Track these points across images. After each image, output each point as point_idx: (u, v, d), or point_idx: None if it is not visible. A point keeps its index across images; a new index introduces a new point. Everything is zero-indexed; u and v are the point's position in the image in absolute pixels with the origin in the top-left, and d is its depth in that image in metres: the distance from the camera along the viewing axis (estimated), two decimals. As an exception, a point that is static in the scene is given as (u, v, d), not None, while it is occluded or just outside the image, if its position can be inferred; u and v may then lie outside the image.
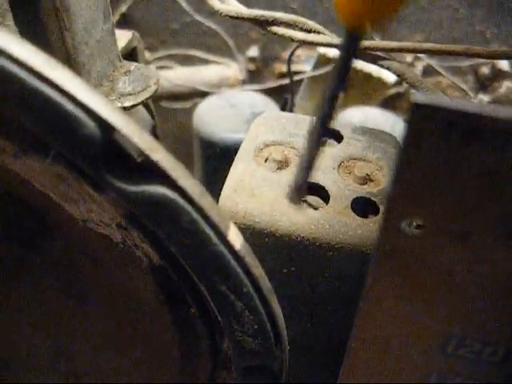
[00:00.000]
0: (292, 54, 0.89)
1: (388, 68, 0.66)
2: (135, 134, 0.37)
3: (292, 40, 0.68)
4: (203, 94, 1.59)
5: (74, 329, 0.63)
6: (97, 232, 0.48)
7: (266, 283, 0.46)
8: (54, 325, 0.63)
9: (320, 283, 0.61)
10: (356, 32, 0.44)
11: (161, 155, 0.38)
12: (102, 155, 0.37)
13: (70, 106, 0.36)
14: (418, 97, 0.30)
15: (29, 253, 0.55)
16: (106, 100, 0.37)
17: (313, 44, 0.67)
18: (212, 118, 1.26)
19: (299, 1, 1.55)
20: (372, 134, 0.68)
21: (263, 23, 0.68)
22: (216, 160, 1.23)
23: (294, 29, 0.68)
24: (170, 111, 1.69)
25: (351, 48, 0.45)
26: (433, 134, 0.31)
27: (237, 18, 0.69)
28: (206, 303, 0.50)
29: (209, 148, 1.22)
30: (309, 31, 0.67)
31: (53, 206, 0.46)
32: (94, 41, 0.64)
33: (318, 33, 0.67)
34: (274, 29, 0.68)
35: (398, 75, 0.67)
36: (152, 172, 0.38)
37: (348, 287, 0.60)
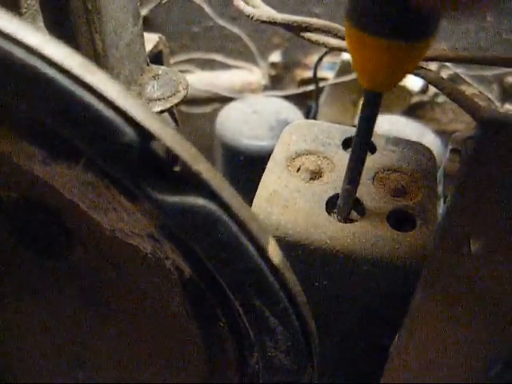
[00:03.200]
0: (320, 60, 0.88)
1: (423, 77, 0.64)
2: (176, 142, 0.35)
3: (325, 46, 0.66)
4: (223, 99, 1.58)
5: (94, 338, 0.62)
6: (124, 242, 0.46)
7: (302, 299, 0.44)
8: (73, 333, 0.62)
9: (353, 298, 0.59)
10: (376, 91, 0.48)
11: (202, 166, 0.36)
12: (139, 164, 0.36)
13: (109, 113, 0.34)
14: (485, 113, 0.28)
15: (49, 260, 0.53)
16: (146, 106, 0.35)
17: (346, 51, 0.65)
18: (235, 125, 1.25)
19: (322, 6, 1.54)
20: (406, 144, 0.66)
21: (296, 29, 0.66)
22: (239, 167, 1.22)
23: (327, 35, 0.66)
24: (188, 116, 1.68)
25: (374, 105, 0.49)
26: (499, 151, 0.30)
27: (269, 22, 0.67)
28: (236, 317, 0.49)
29: (232, 155, 1.21)
30: (343, 38, 0.65)
31: (79, 215, 0.45)
32: (124, 44, 0.62)
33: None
34: (308, 35, 0.66)
35: (434, 85, 0.65)
36: (192, 183, 0.37)
37: (382, 303, 0.58)
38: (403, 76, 0.45)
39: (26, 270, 0.55)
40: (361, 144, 0.51)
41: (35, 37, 0.33)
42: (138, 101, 0.35)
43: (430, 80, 0.64)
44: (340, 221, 0.57)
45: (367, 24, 0.41)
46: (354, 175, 0.54)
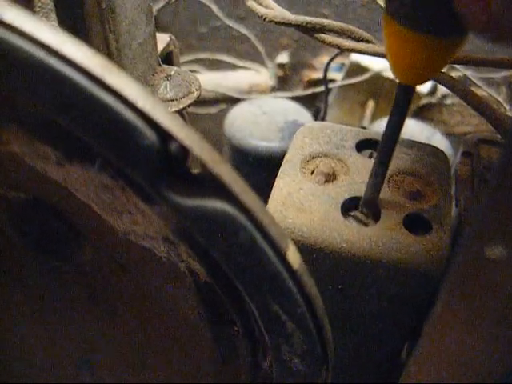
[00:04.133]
0: (330, 61, 0.87)
1: (437, 80, 0.64)
2: (197, 145, 0.35)
3: (339, 48, 0.66)
4: (230, 100, 1.58)
5: (101, 341, 0.62)
6: (137, 244, 0.46)
7: (320, 304, 0.44)
8: (80, 334, 0.62)
9: (368, 302, 0.58)
10: (410, 85, 0.48)
11: (223, 168, 0.36)
12: (158, 166, 0.35)
13: (129, 115, 0.33)
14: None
15: (57, 261, 0.53)
16: (165, 108, 0.35)
17: (361, 53, 0.65)
18: (244, 125, 1.24)
19: (331, 7, 1.53)
20: (420, 147, 0.66)
21: (309, 30, 0.66)
22: (248, 168, 1.21)
23: (341, 37, 0.65)
24: (195, 116, 1.68)
25: (407, 98, 0.50)
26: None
27: (282, 24, 0.66)
28: (251, 321, 0.48)
29: (241, 156, 1.21)
30: (357, 40, 0.65)
31: (91, 217, 0.44)
32: (137, 44, 0.62)
33: (368, 41, 0.64)
34: (322, 36, 0.65)
35: (448, 87, 0.64)
36: (212, 185, 0.36)
37: (397, 307, 0.58)
38: (438, 70, 0.46)
39: (34, 271, 0.55)
40: (391, 137, 0.52)
41: (54, 36, 0.32)
42: (158, 102, 0.35)
43: (445, 83, 0.64)
44: (360, 225, 0.57)
45: (407, 18, 0.41)
46: (380, 173, 0.54)
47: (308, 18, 0.65)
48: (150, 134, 0.34)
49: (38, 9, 0.51)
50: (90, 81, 0.33)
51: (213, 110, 1.68)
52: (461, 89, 0.59)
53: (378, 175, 0.54)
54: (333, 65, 1.53)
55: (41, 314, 0.61)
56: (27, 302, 0.60)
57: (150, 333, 0.58)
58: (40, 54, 0.32)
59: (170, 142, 0.34)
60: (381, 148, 0.53)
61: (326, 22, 0.65)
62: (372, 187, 0.55)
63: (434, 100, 1.60)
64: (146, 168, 0.35)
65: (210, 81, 1.64)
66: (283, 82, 1.71)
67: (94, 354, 0.64)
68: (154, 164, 0.35)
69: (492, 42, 0.36)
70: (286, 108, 1.31)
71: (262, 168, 1.18)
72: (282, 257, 0.39)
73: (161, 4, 1.45)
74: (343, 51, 0.67)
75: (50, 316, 0.61)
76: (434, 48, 0.41)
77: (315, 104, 1.59)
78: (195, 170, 0.36)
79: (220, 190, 0.36)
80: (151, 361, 0.62)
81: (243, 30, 1.60)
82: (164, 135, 0.34)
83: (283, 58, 1.67)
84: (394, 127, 0.51)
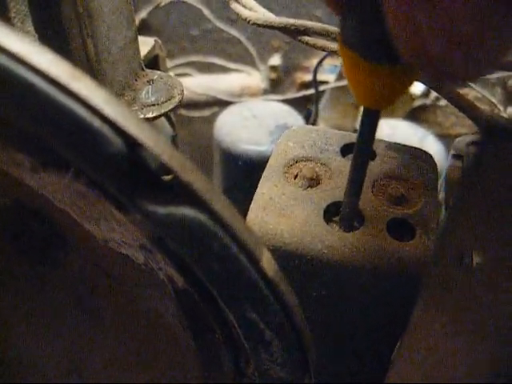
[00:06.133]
0: (319, 64, 0.87)
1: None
2: (166, 152, 0.34)
3: (323, 50, 0.65)
4: (222, 103, 1.57)
5: (88, 345, 0.61)
6: (117, 251, 0.45)
7: (298, 311, 0.43)
8: (67, 339, 0.62)
9: (351, 308, 0.58)
10: (374, 109, 0.46)
11: (193, 176, 0.35)
12: (128, 174, 0.35)
13: (96, 122, 0.33)
14: (488, 118, 0.27)
15: (42, 266, 0.53)
16: (133, 115, 0.34)
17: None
18: (234, 129, 1.24)
19: (323, 9, 1.53)
20: (406, 151, 0.65)
21: (293, 32, 0.65)
22: (237, 172, 1.21)
23: (325, 38, 0.65)
24: (187, 119, 1.68)
25: (373, 121, 0.47)
26: (503, 160, 0.28)
27: (266, 26, 0.66)
28: (231, 329, 0.48)
29: (230, 159, 1.20)
30: (341, 41, 0.64)
31: (71, 223, 0.44)
32: (117, 48, 0.61)
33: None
34: (305, 38, 0.65)
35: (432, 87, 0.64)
36: (182, 193, 0.36)
37: (381, 313, 0.57)
38: (397, 96, 0.44)
39: (21, 276, 0.55)
40: (362, 155, 0.50)
41: (19, 43, 0.32)
42: (125, 108, 0.34)
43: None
44: (342, 231, 0.56)
45: (357, 46, 0.39)
46: (355, 187, 0.53)
47: (291, 20, 0.65)
48: (117, 142, 0.33)
49: (13, 14, 0.51)
50: (55, 88, 0.32)
51: (206, 112, 1.67)
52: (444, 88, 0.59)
53: (354, 187, 0.53)
54: (326, 66, 1.52)
55: (28, 320, 0.61)
56: (15, 308, 0.59)
57: (135, 340, 0.58)
58: (6, 61, 0.31)
59: (138, 149, 0.34)
60: (352, 166, 0.52)
61: (310, 24, 0.64)
62: (349, 198, 0.55)
63: (428, 101, 1.60)
64: (115, 176, 0.35)
65: (202, 84, 1.64)
66: (275, 85, 1.70)
67: (81, 360, 0.64)
68: (122, 172, 0.35)
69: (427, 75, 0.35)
70: (276, 111, 1.31)
71: (251, 171, 1.17)
72: (256, 265, 0.39)
73: (151, 7, 1.45)
74: (328, 53, 0.67)
75: (37, 322, 0.61)
76: (385, 75, 0.40)
77: (308, 106, 1.59)
78: (167, 178, 0.35)
79: (191, 197, 0.36)
80: (137, 367, 0.61)
81: (234, 33, 1.60)
82: (132, 143, 0.34)
83: (275, 60, 1.67)
84: (365, 147, 0.50)
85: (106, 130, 0.33)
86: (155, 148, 0.34)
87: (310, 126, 0.70)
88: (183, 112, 1.64)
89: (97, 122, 0.33)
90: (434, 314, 0.38)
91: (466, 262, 0.35)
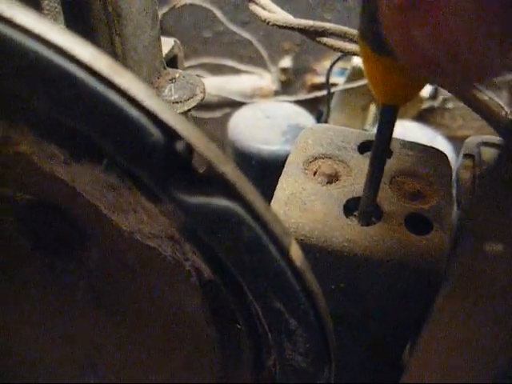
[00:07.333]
0: (332, 65, 0.88)
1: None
2: (202, 143, 0.36)
3: (341, 51, 0.66)
4: (234, 104, 1.58)
5: (106, 341, 0.62)
6: (143, 243, 0.46)
7: (322, 301, 0.44)
8: (84, 336, 0.62)
9: (370, 301, 0.59)
10: (392, 105, 0.47)
11: (228, 167, 0.36)
12: (164, 164, 0.36)
13: (135, 113, 0.34)
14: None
15: (63, 263, 0.53)
16: (171, 107, 0.35)
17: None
18: (247, 129, 1.25)
19: (334, 12, 1.54)
20: (422, 149, 0.67)
21: (312, 33, 0.67)
22: (251, 171, 1.21)
23: (342, 40, 0.66)
24: (198, 120, 1.68)
25: (391, 118, 0.49)
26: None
27: (285, 27, 0.67)
28: (254, 319, 0.48)
29: (244, 159, 1.21)
30: (359, 42, 0.65)
31: (96, 216, 0.45)
32: (142, 46, 0.63)
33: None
34: (324, 39, 0.66)
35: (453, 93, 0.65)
36: (217, 184, 0.37)
37: (399, 306, 0.58)
38: (415, 90, 0.45)
39: (39, 273, 0.55)
40: (380, 151, 0.52)
41: (64, 37, 0.33)
42: (163, 102, 0.35)
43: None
44: (361, 225, 0.57)
45: (368, 39, 0.41)
46: (373, 183, 0.54)
47: (310, 22, 0.66)
48: (156, 133, 0.34)
49: (46, 11, 0.52)
50: (97, 80, 0.33)
51: (217, 114, 1.68)
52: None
53: (373, 182, 0.54)
54: (335, 69, 1.53)
55: (45, 316, 0.61)
56: (32, 304, 0.60)
57: (154, 333, 0.58)
58: (49, 54, 0.33)
59: (175, 140, 0.35)
60: (371, 163, 0.53)
61: (328, 25, 0.66)
62: (368, 193, 0.56)
63: (435, 104, 1.61)
64: (152, 166, 0.36)
65: (214, 85, 1.65)
66: (286, 86, 1.71)
67: (98, 356, 0.64)
68: (159, 162, 0.36)
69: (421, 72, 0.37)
70: (288, 112, 1.32)
71: (264, 171, 1.19)
72: (285, 254, 0.40)
73: (166, 9, 1.46)
74: (345, 54, 0.68)
75: (54, 318, 0.61)
76: (397, 69, 0.41)
77: (318, 108, 1.60)
78: (202, 169, 0.36)
79: (225, 188, 0.37)
80: (155, 361, 0.62)
81: (246, 35, 1.61)
82: (170, 134, 0.35)
83: (286, 62, 1.68)
84: (383, 144, 0.51)
85: (145, 121, 0.34)
86: (192, 139, 0.35)
87: (328, 125, 0.71)
88: (195, 113, 1.64)
89: (136, 113, 0.34)
90: (456, 302, 0.39)
91: (487, 249, 0.35)
